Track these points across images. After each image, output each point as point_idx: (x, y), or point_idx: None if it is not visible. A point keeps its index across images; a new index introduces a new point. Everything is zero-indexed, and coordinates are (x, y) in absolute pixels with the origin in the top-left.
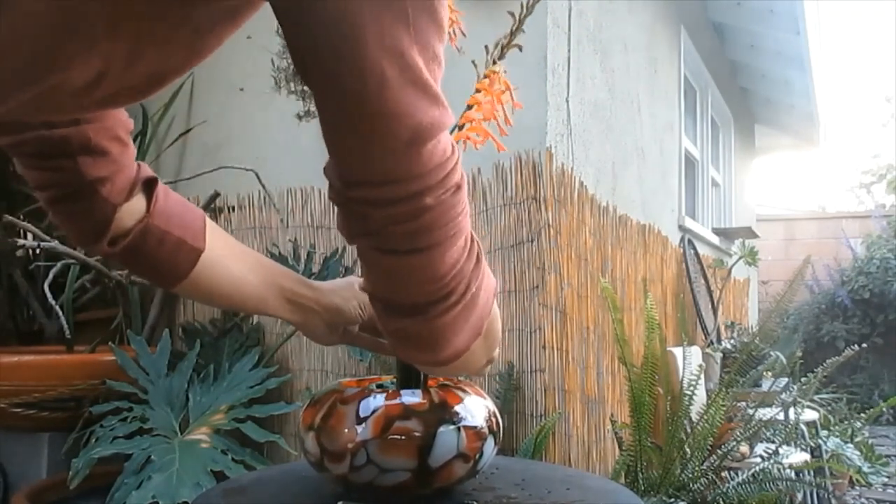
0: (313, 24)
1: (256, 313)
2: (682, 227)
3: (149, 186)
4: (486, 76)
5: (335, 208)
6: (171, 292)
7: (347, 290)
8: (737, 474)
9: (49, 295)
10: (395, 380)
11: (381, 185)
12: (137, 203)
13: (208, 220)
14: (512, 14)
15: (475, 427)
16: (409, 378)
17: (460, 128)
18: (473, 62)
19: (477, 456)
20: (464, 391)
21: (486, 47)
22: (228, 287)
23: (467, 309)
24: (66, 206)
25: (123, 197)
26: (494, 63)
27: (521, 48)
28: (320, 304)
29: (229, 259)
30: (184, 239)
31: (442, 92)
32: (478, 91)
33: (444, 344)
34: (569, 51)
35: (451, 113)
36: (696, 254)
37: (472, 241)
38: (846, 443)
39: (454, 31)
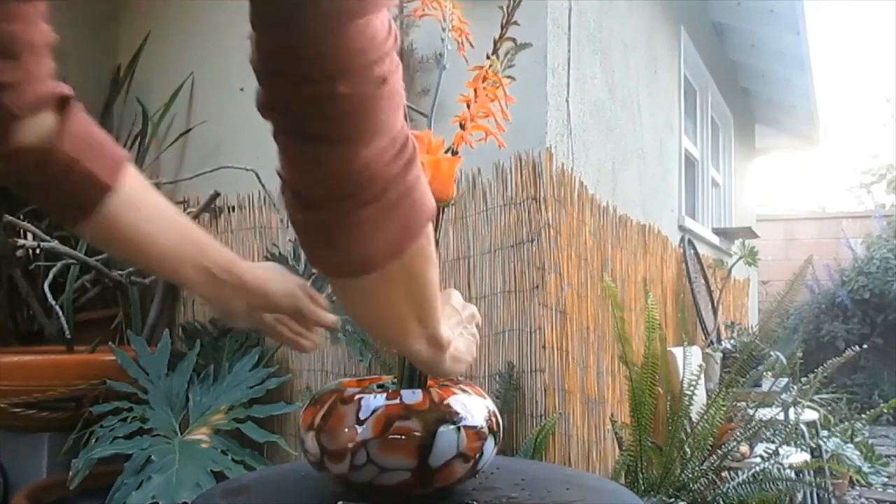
0: None
1: (167, 276)
2: (682, 227)
3: (62, 105)
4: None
5: None
6: (78, 234)
7: (274, 274)
8: (737, 474)
9: (49, 295)
10: (395, 380)
11: (292, 60)
12: (43, 119)
13: (134, 170)
14: (502, 7)
15: (475, 427)
16: (409, 378)
17: (462, 127)
18: (465, 58)
19: (477, 456)
20: (464, 391)
21: (496, 53)
22: (137, 239)
23: (385, 211)
24: None
25: (28, 109)
26: (489, 57)
27: (515, 42)
28: (241, 283)
29: (146, 211)
30: (94, 172)
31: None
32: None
33: (353, 245)
34: (569, 51)
35: None
36: (696, 254)
37: (406, 143)
38: (846, 443)
39: (462, 41)
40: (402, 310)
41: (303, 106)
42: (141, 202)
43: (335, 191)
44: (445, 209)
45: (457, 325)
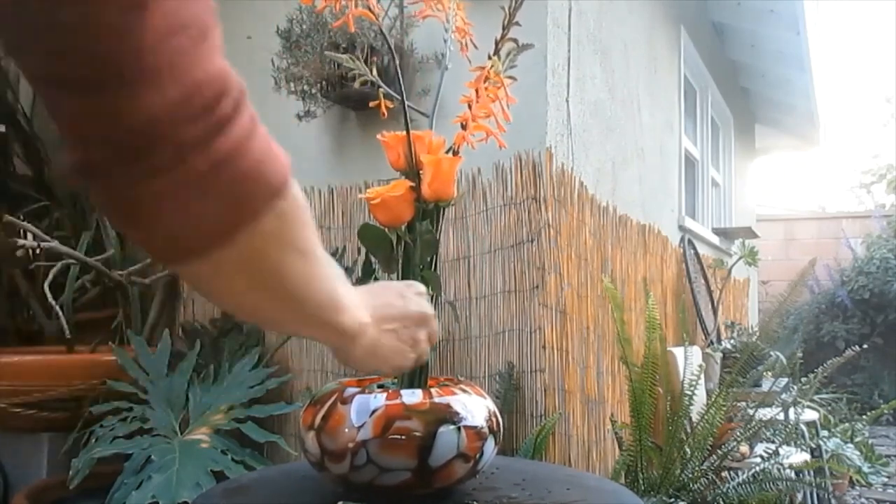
0: None
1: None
2: (682, 227)
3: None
4: (479, 72)
5: (335, 208)
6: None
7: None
8: (737, 474)
9: (49, 295)
10: (395, 380)
11: None
12: None
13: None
14: (503, 8)
15: (475, 427)
16: (409, 378)
17: (463, 127)
18: (468, 59)
19: (477, 456)
20: (464, 391)
21: (497, 54)
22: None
23: (186, 186)
24: None
25: None
26: (490, 58)
27: (517, 42)
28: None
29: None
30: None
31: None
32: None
33: (146, 222)
34: (569, 51)
35: None
36: (696, 254)
37: (219, 97)
38: (846, 443)
39: (465, 43)
40: (257, 300)
41: (30, 37)
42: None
43: (114, 153)
44: (445, 209)
45: (390, 321)
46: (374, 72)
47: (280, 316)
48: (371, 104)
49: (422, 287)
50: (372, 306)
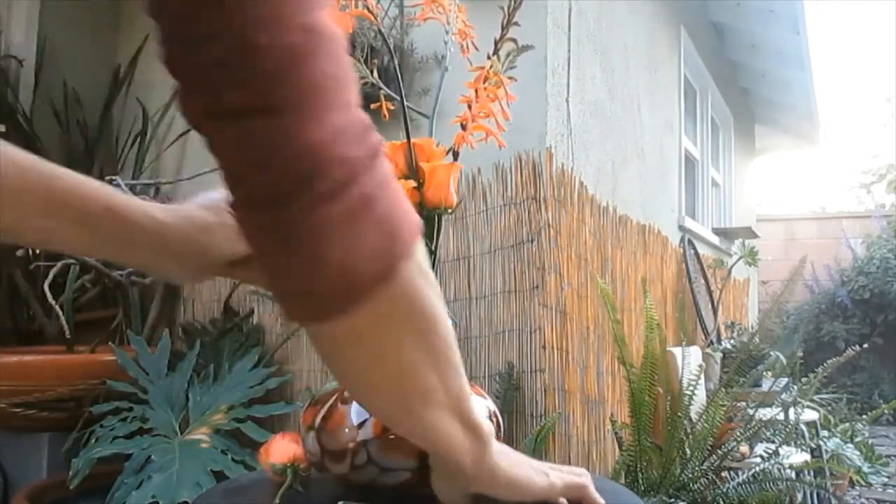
0: None
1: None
2: (682, 227)
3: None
4: (479, 72)
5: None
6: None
7: (213, 217)
8: (737, 474)
9: (49, 295)
10: None
11: (201, 9)
12: None
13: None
14: (502, 8)
15: None
16: None
17: (463, 127)
18: (469, 60)
19: None
20: None
21: (496, 54)
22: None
23: (356, 210)
24: None
25: None
26: (490, 58)
27: (516, 43)
28: (165, 239)
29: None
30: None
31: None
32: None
33: (318, 251)
34: (569, 51)
35: None
36: (696, 254)
37: (367, 129)
38: (846, 443)
39: (466, 45)
40: (413, 357)
41: (219, 70)
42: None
43: (285, 177)
44: (442, 217)
45: (539, 466)
46: (375, 73)
47: (436, 387)
48: (372, 106)
49: (583, 474)
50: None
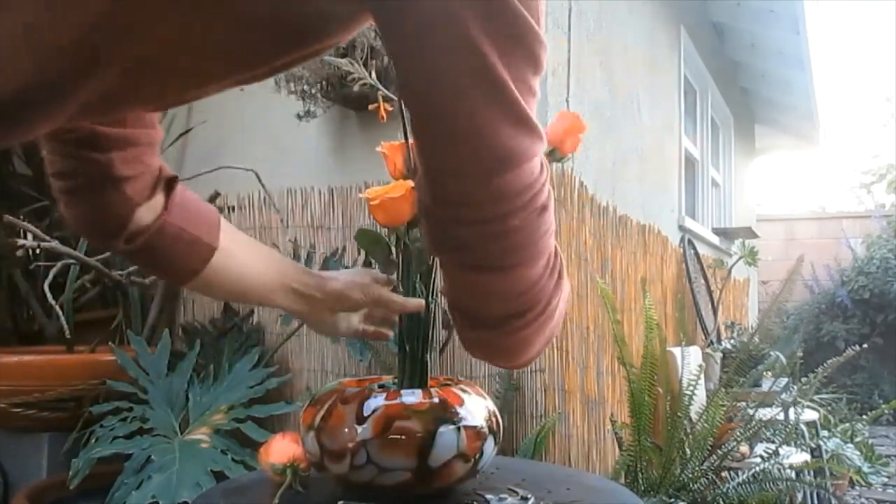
0: (416, 49)
1: (261, 304)
2: (682, 227)
3: (169, 185)
4: None
5: (335, 208)
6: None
7: (348, 275)
8: (737, 474)
9: (49, 295)
10: (395, 380)
11: (469, 205)
12: (156, 200)
13: (222, 219)
14: None
15: (475, 427)
16: (410, 378)
17: None
18: None
19: (477, 456)
20: (464, 391)
21: None
22: (238, 281)
23: (544, 323)
24: (86, 196)
25: (145, 196)
26: None
27: None
28: (322, 291)
29: (240, 254)
30: (199, 236)
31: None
32: None
33: (520, 354)
34: (569, 51)
35: (543, 138)
36: (696, 254)
37: (556, 256)
38: (846, 443)
39: None
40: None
41: (480, 243)
42: (233, 248)
43: (510, 311)
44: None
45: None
46: (374, 74)
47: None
48: (370, 107)
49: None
50: None
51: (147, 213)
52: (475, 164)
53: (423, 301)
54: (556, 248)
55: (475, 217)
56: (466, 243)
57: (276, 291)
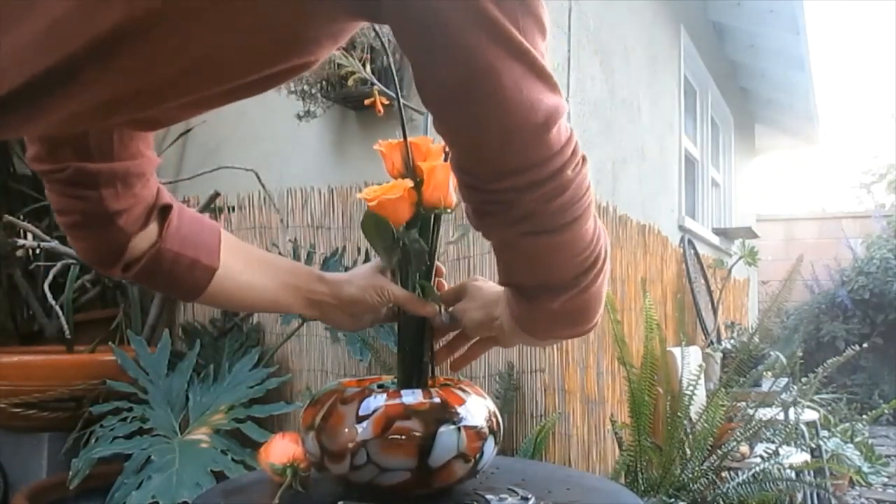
0: (437, 43)
1: (276, 311)
2: (682, 227)
3: (163, 213)
4: None
5: (335, 208)
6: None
7: (362, 279)
8: (737, 474)
9: (49, 295)
10: (395, 380)
11: (527, 171)
12: (151, 229)
13: (224, 234)
14: None
15: (475, 427)
16: (409, 378)
17: None
18: None
19: (477, 456)
20: (464, 391)
21: None
22: (245, 295)
23: (605, 273)
24: (83, 231)
25: (138, 227)
26: None
27: None
28: (336, 298)
29: (245, 269)
30: (197, 259)
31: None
32: None
33: (593, 312)
34: (569, 51)
35: (560, 91)
36: (696, 254)
37: (593, 209)
38: (846, 443)
39: None
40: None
41: (546, 203)
42: (237, 265)
43: (582, 266)
44: (441, 218)
45: None
46: (368, 69)
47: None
48: (366, 102)
49: None
50: None
51: (142, 241)
52: (525, 132)
53: (436, 306)
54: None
55: (534, 179)
56: (530, 210)
57: (287, 300)
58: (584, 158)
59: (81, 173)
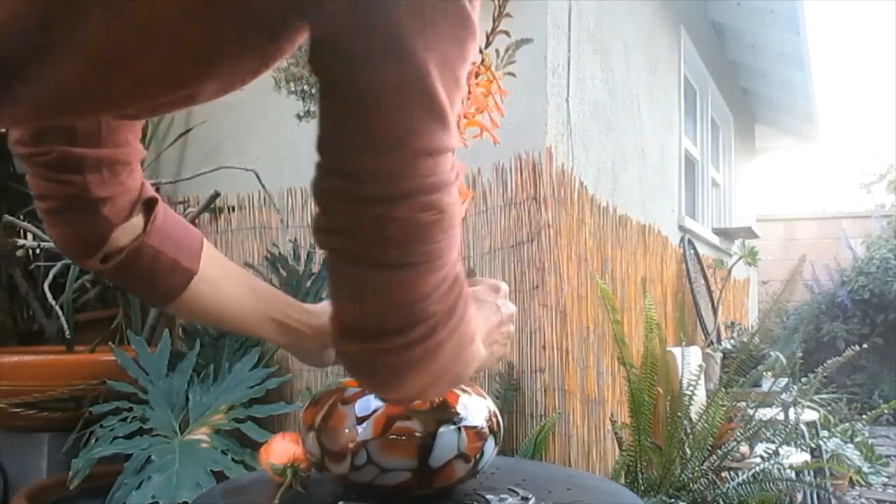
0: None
1: (245, 335)
2: (682, 227)
3: (148, 206)
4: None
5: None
6: (167, 311)
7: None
8: (737, 474)
9: (49, 295)
10: None
11: (355, 179)
12: (134, 222)
13: (206, 243)
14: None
15: (476, 427)
16: None
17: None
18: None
19: (477, 456)
20: (464, 391)
21: (488, 46)
22: (219, 309)
23: (431, 354)
24: (65, 217)
25: (123, 217)
26: (482, 52)
27: (508, 34)
28: (310, 328)
29: (222, 282)
30: (177, 260)
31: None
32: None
33: (394, 382)
34: (569, 51)
35: (455, 139)
36: (696, 254)
37: (456, 284)
38: (846, 443)
39: None
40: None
41: (361, 230)
42: (215, 275)
43: (387, 325)
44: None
45: (495, 335)
46: None
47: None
48: None
49: (506, 287)
50: (486, 331)
51: (125, 234)
52: (377, 134)
53: None
54: (461, 279)
55: (360, 194)
56: (346, 225)
57: (259, 322)
58: (441, 211)
59: (67, 157)
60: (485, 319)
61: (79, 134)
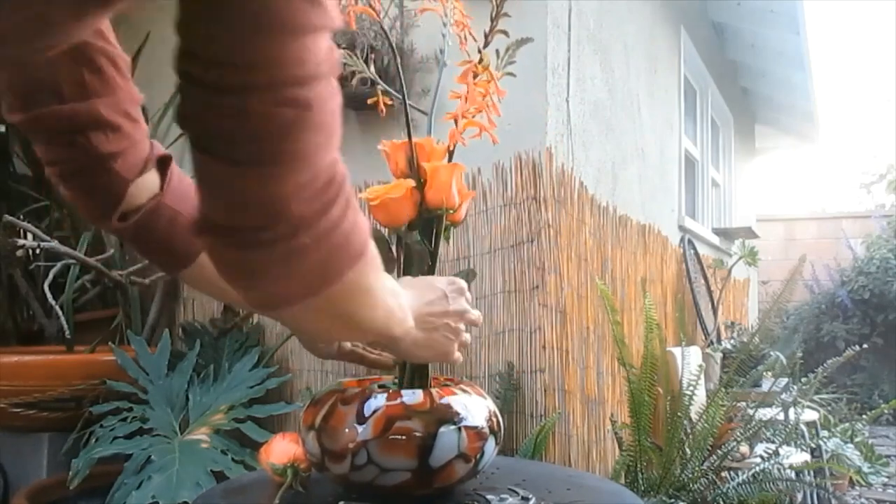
0: None
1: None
2: (682, 227)
3: (163, 164)
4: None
5: None
6: (176, 278)
7: None
8: (737, 474)
9: (49, 295)
10: (396, 380)
11: (208, 63)
12: (150, 179)
13: None
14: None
15: (476, 427)
16: (410, 378)
17: (455, 123)
18: (467, 52)
19: (478, 456)
20: (465, 391)
21: (487, 46)
22: None
23: (292, 256)
24: (77, 180)
25: (136, 172)
26: (480, 52)
27: (507, 34)
28: None
29: None
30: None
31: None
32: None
33: (253, 283)
34: (569, 51)
35: (330, 16)
36: (696, 254)
37: (329, 184)
38: (846, 443)
39: (464, 36)
40: (332, 328)
41: (215, 119)
42: None
43: (243, 221)
44: (445, 217)
45: (433, 319)
46: (373, 69)
47: (347, 336)
48: (369, 101)
49: (463, 283)
50: (416, 307)
51: (141, 192)
52: (237, 14)
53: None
54: (339, 174)
55: (210, 81)
56: (203, 117)
57: None
58: (307, 104)
59: (61, 117)
60: (419, 298)
61: (65, 88)
